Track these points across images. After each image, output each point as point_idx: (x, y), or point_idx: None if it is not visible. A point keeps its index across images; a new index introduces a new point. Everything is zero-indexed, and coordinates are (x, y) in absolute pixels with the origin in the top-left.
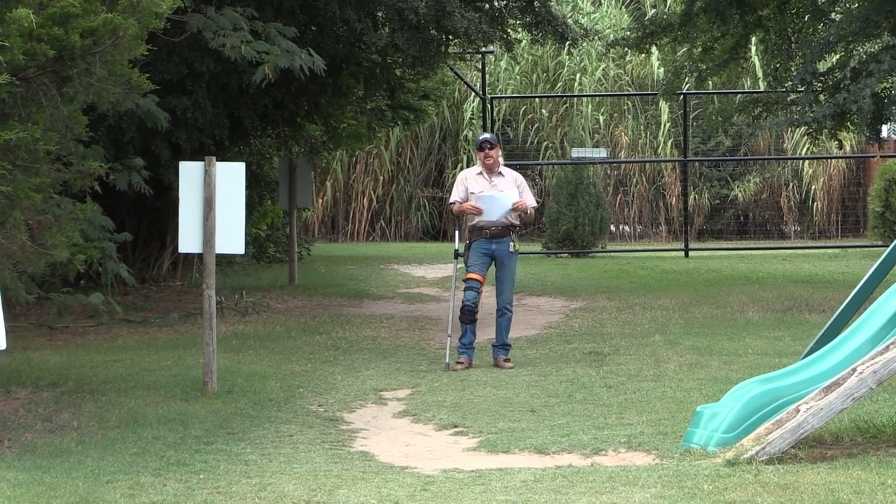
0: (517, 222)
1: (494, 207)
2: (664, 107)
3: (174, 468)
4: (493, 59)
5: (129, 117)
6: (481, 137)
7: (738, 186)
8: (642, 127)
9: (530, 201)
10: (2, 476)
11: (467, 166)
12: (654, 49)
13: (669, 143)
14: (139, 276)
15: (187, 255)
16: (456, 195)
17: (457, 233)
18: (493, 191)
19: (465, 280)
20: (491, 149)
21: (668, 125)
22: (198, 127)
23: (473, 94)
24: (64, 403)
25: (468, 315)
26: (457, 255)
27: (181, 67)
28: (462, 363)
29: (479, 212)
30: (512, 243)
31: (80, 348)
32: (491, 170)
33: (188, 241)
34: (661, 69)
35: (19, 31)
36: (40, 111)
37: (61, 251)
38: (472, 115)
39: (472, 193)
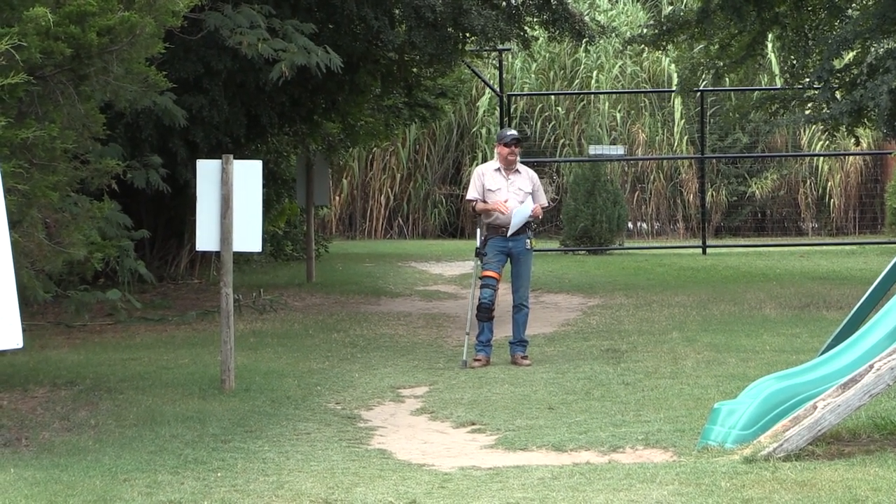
0: (531, 219)
1: (518, 219)
2: (678, 104)
3: (192, 466)
4: (509, 57)
5: (147, 115)
6: (509, 133)
7: (755, 183)
8: (659, 124)
9: (542, 200)
10: (19, 474)
11: (483, 163)
12: (668, 47)
13: (685, 140)
14: (157, 274)
15: (205, 253)
16: (473, 192)
17: (478, 230)
18: (510, 187)
19: (481, 278)
20: (517, 146)
21: (682, 122)
22: (214, 125)
23: (486, 91)
24: (81, 402)
25: (485, 312)
26: (478, 252)
27: (198, 65)
28: (480, 361)
29: (503, 211)
30: (528, 241)
31: (97, 346)
32: (510, 167)
33: (206, 239)
34: (673, 66)
35: (36, 30)
36: (57, 109)
37: (79, 249)
38: (486, 112)
39: (489, 191)
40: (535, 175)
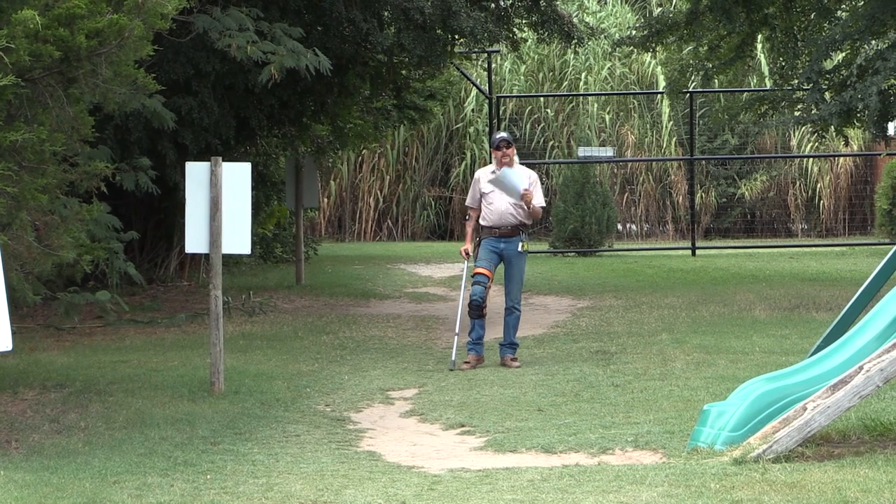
0: (527, 221)
1: (507, 187)
2: (665, 105)
3: (181, 468)
4: (498, 59)
5: (136, 118)
6: (498, 136)
7: (744, 185)
8: (648, 125)
9: (539, 201)
10: (9, 477)
11: (472, 165)
12: (657, 49)
13: (674, 142)
14: (146, 276)
15: (194, 255)
16: (469, 198)
17: (468, 233)
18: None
19: (473, 275)
20: (507, 147)
21: (670, 124)
22: (204, 127)
23: (473, 93)
24: (71, 404)
25: (475, 310)
26: (467, 253)
27: (187, 68)
28: (469, 362)
29: (465, 258)
30: (521, 243)
31: (87, 349)
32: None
33: (195, 241)
34: (660, 68)
35: (25, 33)
36: (46, 112)
37: (68, 252)
38: (473, 112)
39: (483, 193)
40: (533, 175)
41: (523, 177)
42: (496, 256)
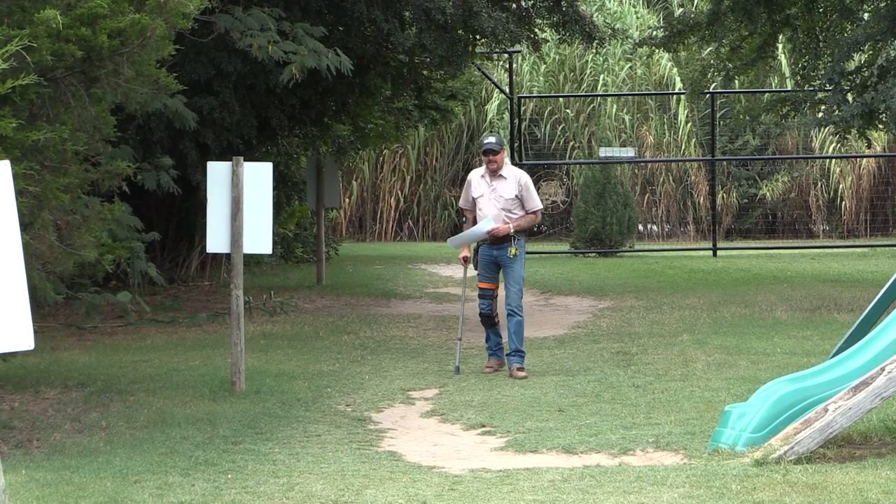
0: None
1: (463, 240)
2: (682, 106)
3: (202, 468)
4: (518, 59)
5: (158, 117)
6: (485, 143)
7: (766, 185)
8: (666, 127)
9: (534, 203)
10: (31, 476)
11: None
12: (678, 49)
13: (693, 143)
14: (167, 276)
15: (215, 255)
16: (462, 200)
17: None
18: (492, 195)
19: (478, 289)
20: (494, 155)
21: (689, 125)
22: (225, 127)
23: (495, 93)
24: (92, 403)
25: (487, 320)
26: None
27: (209, 68)
28: (491, 367)
29: (466, 262)
30: (510, 248)
31: (108, 348)
32: (494, 173)
33: (216, 241)
34: (675, 70)
35: (47, 32)
36: (68, 112)
37: (90, 251)
38: (496, 114)
39: (474, 198)
40: (524, 177)
41: (512, 185)
42: (494, 266)
